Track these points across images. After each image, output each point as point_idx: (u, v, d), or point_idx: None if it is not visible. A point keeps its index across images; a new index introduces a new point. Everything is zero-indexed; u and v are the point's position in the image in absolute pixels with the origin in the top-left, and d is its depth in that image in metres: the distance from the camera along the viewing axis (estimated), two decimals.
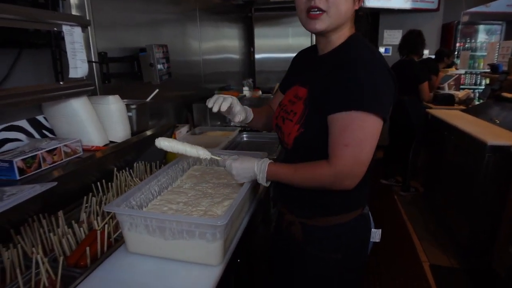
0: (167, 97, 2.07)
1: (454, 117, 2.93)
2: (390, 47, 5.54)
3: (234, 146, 2.00)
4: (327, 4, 0.85)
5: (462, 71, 4.87)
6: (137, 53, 1.70)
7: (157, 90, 1.53)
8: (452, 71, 4.48)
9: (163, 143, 1.01)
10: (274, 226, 1.19)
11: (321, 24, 0.87)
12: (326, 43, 0.95)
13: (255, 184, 1.11)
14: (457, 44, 5.51)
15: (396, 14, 5.57)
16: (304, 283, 1.03)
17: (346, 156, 0.82)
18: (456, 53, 5.40)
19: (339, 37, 0.93)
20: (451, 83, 4.26)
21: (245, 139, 2.14)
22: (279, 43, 4.34)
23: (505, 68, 3.37)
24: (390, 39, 5.57)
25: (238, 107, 1.10)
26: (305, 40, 4.06)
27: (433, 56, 4.39)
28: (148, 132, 1.41)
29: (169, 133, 1.53)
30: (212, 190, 1.11)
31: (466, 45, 5.73)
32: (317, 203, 0.98)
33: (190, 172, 1.28)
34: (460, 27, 5.44)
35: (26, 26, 1.05)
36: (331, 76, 0.87)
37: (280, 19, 4.28)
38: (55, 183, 0.86)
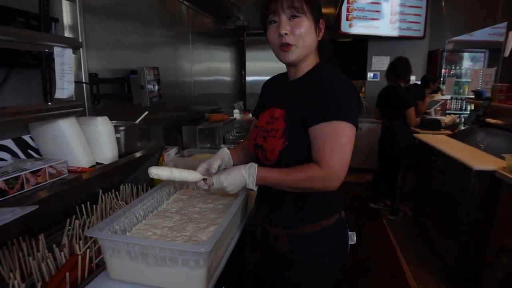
0: (157, 118, 2.07)
1: (441, 141, 2.99)
2: (378, 73, 5.70)
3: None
4: (295, 39, 1.01)
5: (448, 97, 5.00)
6: (128, 74, 1.71)
7: (146, 112, 1.53)
8: (438, 96, 4.61)
9: (155, 172, 1.02)
10: (259, 245, 1.23)
11: (292, 56, 1.03)
12: (296, 71, 1.10)
13: (242, 207, 1.10)
14: (443, 71, 5.68)
15: (384, 41, 5.76)
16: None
17: (333, 159, 0.94)
18: (441, 79, 5.56)
19: (307, 65, 1.09)
20: (438, 108, 4.37)
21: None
22: (270, 66, 4.41)
23: (488, 94, 3.47)
24: (378, 65, 5.74)
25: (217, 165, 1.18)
26: None
27: (419, 82, 4.51)
28: (136, 154, 1.40)
29: (158, 155, 1.52)
30: (198, 215, 1.10)
31: (452, 72, 5.91)
32: (304, 211, 1.06)
33: (176, 195, 1.27)
34: (445, 54, 5.63)
35: (18, 47, 1.06)
36: (307, 94, 1.02)
37: None
38: (36, 207, 0.84)
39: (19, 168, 1.04)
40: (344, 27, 5.30)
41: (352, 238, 1.17)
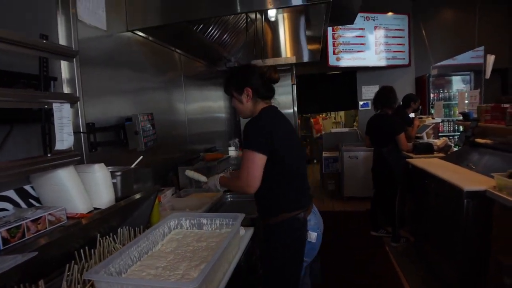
0: (153, 161, 2.15)
1: (433, 165, 3.05)
2: (369, 101, 5.87)
3: (219, 207, 2.05)
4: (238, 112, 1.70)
5: (439, 120, 5.12)
6: (123, 122, 1.81)
7: (141, 157, 1.62)
8: (429, 120, 4.72)
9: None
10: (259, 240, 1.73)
11: (241, 117, 1.75)
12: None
13: (234, 243, 1.15)
14: (431, 95, 5.86)
15: (371, 71, 5.99)
16: (271, 268, 1.56)
17: (243, 174, 1.51)
18: (431, 103, 5.72)
19: (255, 113, 1.63)
20: (429, 132, 4.47)
21: (229, 199, 2.21)
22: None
23: (475, 115, 3.56)
24: (368, 94, 5.92)
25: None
26: (288, 97, 4.31)
27: (400, 102, 4.61)
28: (132, 198, 1.47)
29: (153, 198, 1.59)
30: (191, 253, 1.15)
31: (440, 95, 6.09)
32: (271, 207, 1.59)
33: (171, 235, 1.31)
34: (431, 79, 5.83)
35: (20, 106, 1.15)
36: None
37: None
38: (35, 253, 0.90)
39: (20, 217, 1.10)
40: (332, 60, 5.54)
41: (311, 237, 1.59)
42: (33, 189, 1.33)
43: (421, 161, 3.26)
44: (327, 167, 5.63)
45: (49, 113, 1.33)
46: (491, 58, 3.69)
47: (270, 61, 3.58)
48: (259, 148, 1.46)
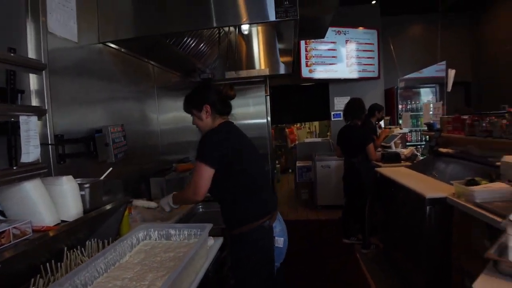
0: (124, 172, 2.14)
1: (400, 173, 3.17)
2: (341, 112, 6.05)
3: (190, 217, 2.07)
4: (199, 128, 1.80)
5: (406, 130, 5.35)
6: (93, 133, 1.81)
7: (110, 169, 1.62)
8: (397, 130, 4.93)
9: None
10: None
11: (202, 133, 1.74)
12: None
13: (201, 253, 1.18)
14: (399, 106, 6.12)
15: (343, 83, 6.20)
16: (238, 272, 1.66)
17: (192, 184, 1.63)
18: (399, 114, 5.97)
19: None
20: (397, 141, 4.66)
21: (200, 210, 2.23)
22: (241, 111, 4.57)
23: (439, 126, 3.76)
24: (340, 105, 6.10)
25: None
26: (262, 108, 4.38)
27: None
28: (101, 209, 1.46)
29: (122, 209, 1.59)
30: (158, 264, 1.17)
31: (408, 107, 6.37)
32: (235, 218, 1.66)
33: (139, 247, 1.33)
34: (399, 91, 6.09)
35: None
36: None
37: (240, 91, 4.59)
38: None
39: None
40: (305, 72, 5.69)
41: (279, 242, 1.71)
42: None
43: (388, 170, 3.39)
44: (301, 177, 5.73)
45: (16, 126, 1.32)
46: (452, 72, 3.92)
47: (243, 73, 3.66)
48: (208, 161, 1.58)
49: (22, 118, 1.25)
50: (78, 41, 1.83)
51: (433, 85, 6.38)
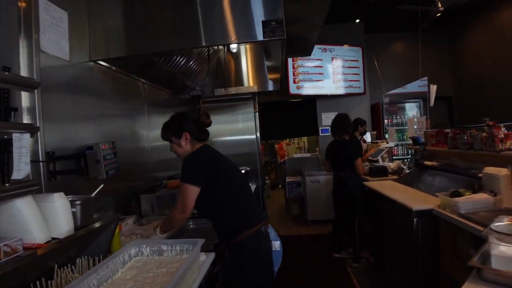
0: (115, 189, 2.14)
1: (387, 187, 3.24)
2: (329, 127, 6.16)
3: (180, 234, 2.07)
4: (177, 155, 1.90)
5: (392, 144, 5.47)
6: (84, 150, 1.82)
7: (102, 185, 1.62)
8: (383, 144, 5.04)
9: None
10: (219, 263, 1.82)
11: (180, 159, 1.86)
12: None
13: (193, 268, 1.19)
14: (385, 121, 6.26)
15: (330, 99, 6.34)
16: (238, 284, 1.72)
17: (179, 204, 1.73)
18: (385, 129, 6.11)
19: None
20: (384, 155, 4.76)
21: (191, 226, 2.24)
22: (230, 128, 4.59)
23: (423, 139, 3.87)
24: (328, 120, 6.21)
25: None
26: (251, 124, 4.43)
27: None
28: (92, 227, 1.46)
29: (113, 226, 1.59)
30: (151, 280, 1.17)
31: (394, 121, 6.52)
32: (232, 228, 1.75)
33: (131, 263, 1.33)
34: (384, 106, 6.25)
35: None
36: None
37: (229, 108, 4.64)
38: None
39: None
40: (293, 89, 5.81)
41: (276, 245, 1.86)
42: None
43: (376, 184, 3.46)
44: (291, 192, 5.76)
45: (8, 143, 1.33)
46: (433, 88, 4.06)
47: (232, 90, 3.72)
48: (193, 180, 1.69)
49: (15, 136, 1.27)
50: (70, 59, 1.86)
51: (417, 100, 6.58)
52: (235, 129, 4.62)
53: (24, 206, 1.28)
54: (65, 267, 1.36)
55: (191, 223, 2.27)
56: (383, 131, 6.27)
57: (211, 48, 3.14)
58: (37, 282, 1.22)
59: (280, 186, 8.63)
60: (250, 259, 1.72)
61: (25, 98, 1.52)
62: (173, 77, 3.05)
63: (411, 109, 6.78)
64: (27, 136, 1.32)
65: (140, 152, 2.69)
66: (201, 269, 1.41)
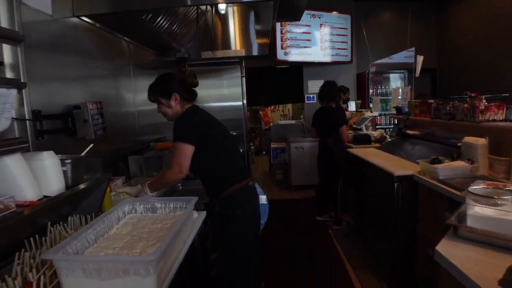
0: (103, 150, 2.13)
1: (370, 154, 3.34)
2: (315, 95, 6.18)
3: (171, 194, 2.10)
4: (163, 115, 1.89)
5: (376, 114, 5.56)
6: (71, 109, 1.77)
7: (91, 145, 1.61)
8: (367, 114, 5.12)
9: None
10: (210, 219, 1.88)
11: (168, 120, 1.90)
12: None
13: (187, 224, 1.22)
14: (370, 91, 6.32)
15: (317, 67, 6.29)
16: (226, 238, 1.81)
17: (174, 164, 1.71)
18: (370, 98, 6.18)
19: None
20: (368, 124, 4.85)
21: (180, 187, 2.26)
22: (215, 93, 4.55)
23: (407, 109, 3.96)
24: (314, 88, 6.23)
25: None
26: (237, 90, 4.39)
27: None
28: (82, 186, 1.46)
29: (104, 186, 1.59)
30: (147, 235, 1.20)
31: (379, 91, 6.59)
32: (222, 182, 1.80)
33: (125, 220, 1.35)
34: (370, 76, 6.28)
35: None
36: None
37: (215, 72, 4.56)
38: None
39: None
40: (280, 55, 5.73)
41: (262, 199, 1.93)
42: None
43: (359, 151, 3.56)
44: (275, 158, 5.84)
45: None
46: (420, 58, 4.10)
47: (219, 53, 3.64)
48: (188, 139, 1.70)
49: (1, 91, 1.22)
50: (52, 13, 1.76)
51: (402, 71, 6.63)
52: (221, 94, 4.57)
53: (13, 164, 1.26)
54: (57, 225, 1.37)
55: (180, 184, 2.29)
56: (367, 101, 6.34)
57: (199, 8, 3.03)
58: (31, 239, 1.23)
59: (264, 152, 8.74)
60: (240, 212, 1.79)
61: (7, 53, 1.45)
62: (158, 37, 2.95)
63: (395, 80, 6.84)
64: (13, 91, 1.28)
65: (127, 115, 2.65)
66: (194, 225, 1.45)
